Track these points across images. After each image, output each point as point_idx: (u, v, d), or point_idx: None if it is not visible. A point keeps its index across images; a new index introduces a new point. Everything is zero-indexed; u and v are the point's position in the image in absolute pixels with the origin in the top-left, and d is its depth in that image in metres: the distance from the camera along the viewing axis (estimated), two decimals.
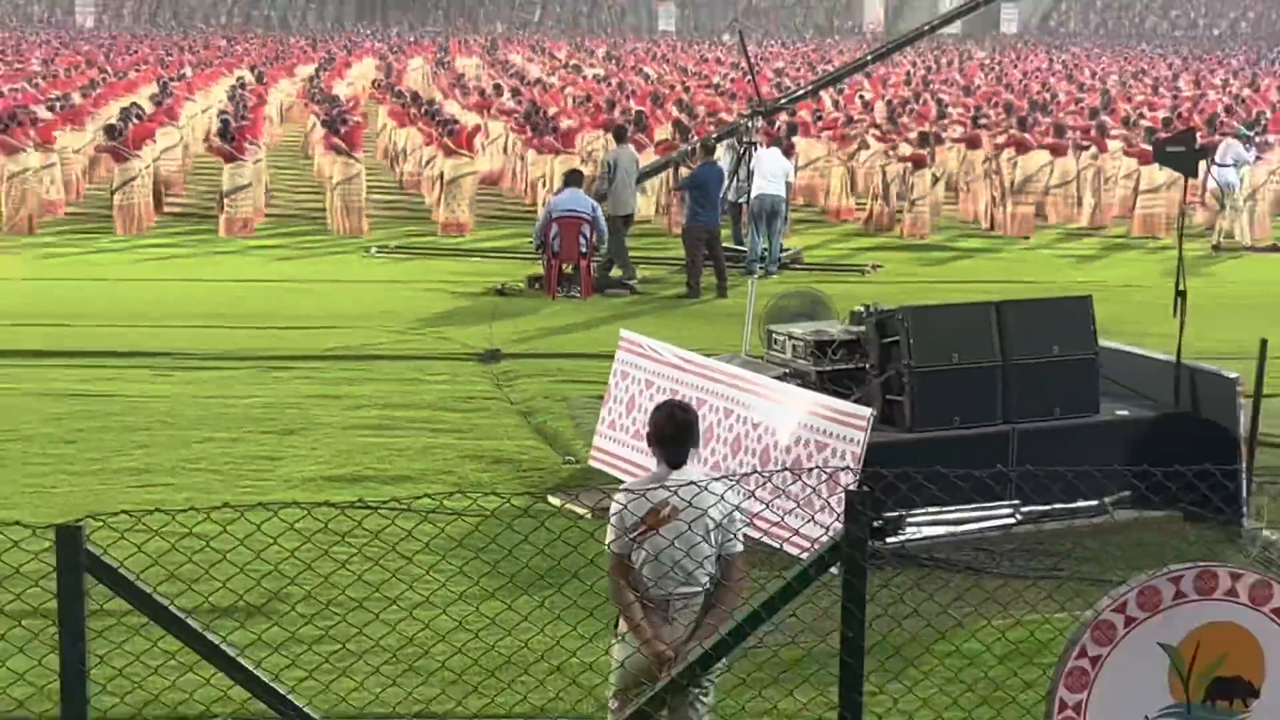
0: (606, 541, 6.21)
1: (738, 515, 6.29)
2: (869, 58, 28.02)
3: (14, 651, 5.77)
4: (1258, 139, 26.37)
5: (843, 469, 8.76)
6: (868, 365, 11.40)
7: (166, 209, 27.56)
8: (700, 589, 6.12)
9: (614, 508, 6.23)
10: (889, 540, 9.90)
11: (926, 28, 28.97)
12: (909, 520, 10.18)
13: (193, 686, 5.66)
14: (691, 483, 5.91)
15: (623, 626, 6.16)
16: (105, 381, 15.17)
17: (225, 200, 24.82)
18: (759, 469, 9.73)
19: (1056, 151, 24.10)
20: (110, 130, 26.61)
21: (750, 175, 19.87)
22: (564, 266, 19.77)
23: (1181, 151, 14.13)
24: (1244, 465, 10.87)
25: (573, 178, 20.05)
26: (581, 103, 33.62)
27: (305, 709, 5.19)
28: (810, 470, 8.95)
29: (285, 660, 6.56)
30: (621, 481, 9.24)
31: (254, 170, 25.77)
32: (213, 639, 4.84)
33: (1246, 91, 39.68)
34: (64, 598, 4.32)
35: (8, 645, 5.92)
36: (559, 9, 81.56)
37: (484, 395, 15.02)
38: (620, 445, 11.07)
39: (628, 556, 6.04)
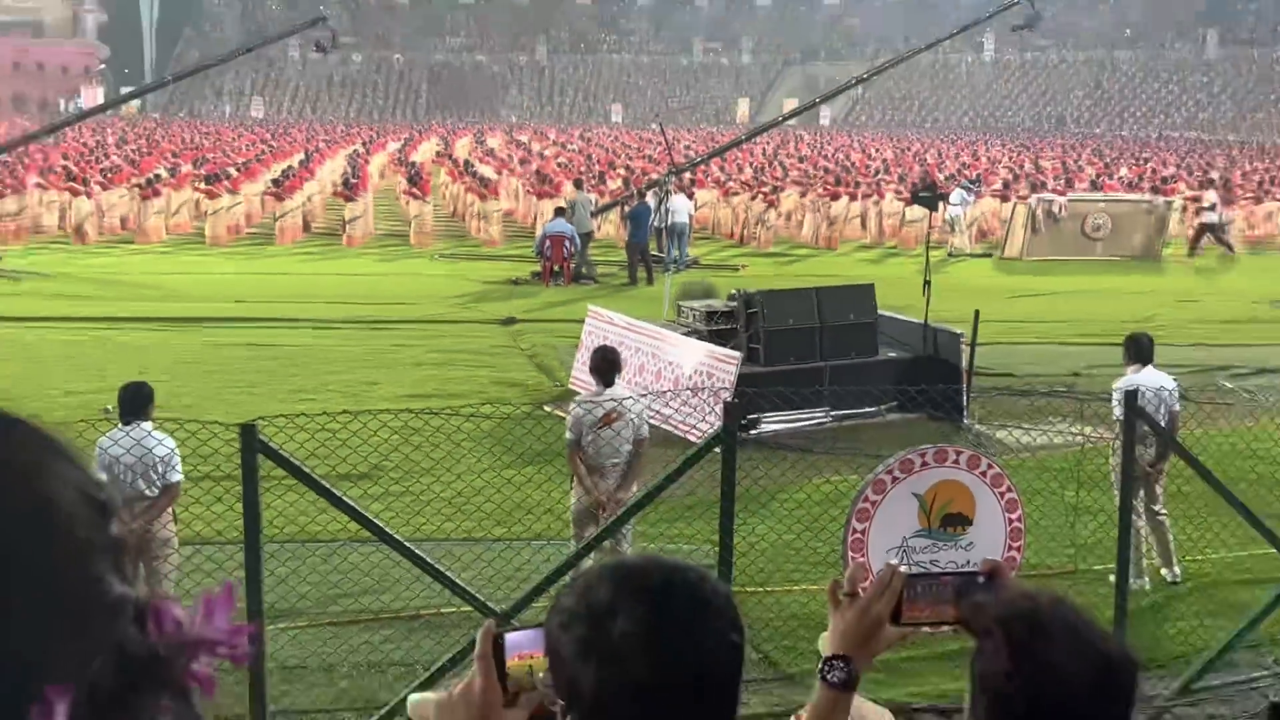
0: (566, 431, 8.30)
1: (646, 414, 8.48)
2: (742, 138, 32.81)
3: (213, 500, 7.54)
4: (976, 189, 30.35)
5: (723, 389, 10.51)
6: (738, 326, 13.21)
7: (311, 230, 33.09)
8: (623, 459, 8.17)
9: (574, 411, 8.36)
10: (750, 432, 11.14)
11: (779, 119, 35.34)
12: (763, 420, 11.82)
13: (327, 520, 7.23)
14: (630, 396, 8.32)
15: (576, 483, 8.26)
16: (271, 336, 17.67)
17: (346, 225, 30.97)
18: (673, 389, 11.33)
19: (852, 197, 28.96)
20: (275, 182, 34.31)
21: (667, 210, 22.99)
22: (553, 266, 23.26)
23: (928, 196, 17.00)
24: (965, 387, 12.91)
25: (559, 212, 24.24)
26: (565, 166, 38.66)
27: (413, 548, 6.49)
28: (702, 390, 10.89)
29: (381, 505, 8.50)
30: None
31: (364, 206, 32.05)
32: (337, 492, 6.23)
33: (968, 158, 45.61)
34: (245, 471, 5.67)
35: (204, 494, 7.80)
36: (550, 107, 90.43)
37: (504, 346, 17.46)
38: (586, 375, 11.25)
39: (578, 442, 8.13)
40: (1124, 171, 42.45)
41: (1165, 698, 6.73)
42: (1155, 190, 30.76)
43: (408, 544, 6.20)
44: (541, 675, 1.47)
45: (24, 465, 0.67)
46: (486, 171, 38.44)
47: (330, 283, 22.51)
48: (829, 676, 1.89)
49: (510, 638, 1.52)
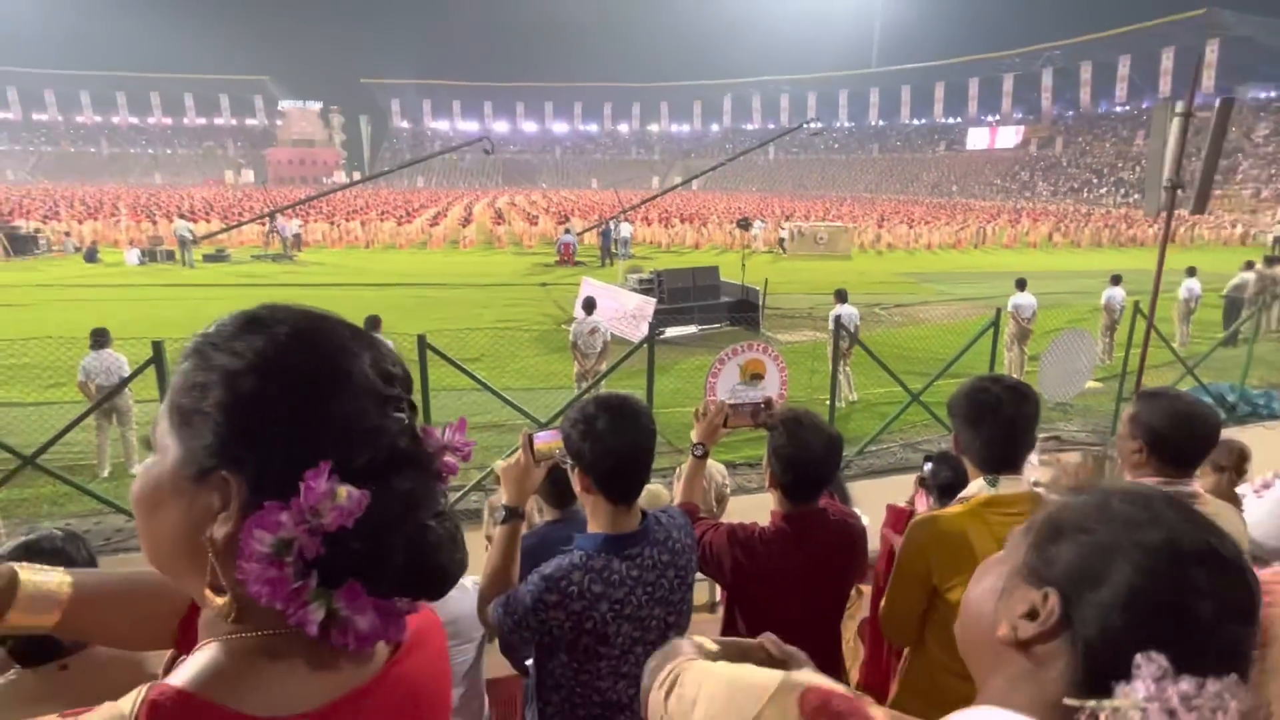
0: (570, 336, 8.03)
1: (602, 327, 8.00)
2: (652, 197, 29.63)
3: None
4: (764, 222, 28.90)
5: (648, 319, 10.18)
6: (654, 286, 12.52)
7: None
8: (598, 350, 7.85)
9: (574, 328, 8.03)
10: (660, 337, 9.66)
11: (670, 188, 32.22)
12: (666, 331, 10.39)
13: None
14: (602, 320, 8.09)
15: (575, 363, 7.98)
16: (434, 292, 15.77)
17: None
18: (622, 315, 10.76)
19: (705, 224, 28.70)
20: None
21: (620, 229, 21.22)
22: (564, 258, 20.94)
23: (745, 222, 16.85)
24: (760, 314, 12.23)
25: (565, 234, 21.85)
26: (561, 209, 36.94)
27: None
28: (637, 317, 10.68)
29: (486, 371, 7.74)
30: None
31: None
32: (464, 368, 6.63)
33: (763, 207, 44.49)
34: (420, 355, 5.24)
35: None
36: (557, 181, 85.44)
37: (543, 298, 15.31)
38: (581, 311, 9.34)
39: (575, 342, 7.89)
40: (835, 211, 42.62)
41: (851, 455, 6.75)
42: (853, 220, 30.98)
43: (501, 393, 5.99)
44: (559, 451, 1.49)
45: (335, 343, 0.64)
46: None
47: (453, 266, 20.96)
48: (696, 452, 1.91)
49: (539, 435, 1.56)
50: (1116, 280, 10.66)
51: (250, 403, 0.59)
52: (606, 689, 1.49)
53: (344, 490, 0.57)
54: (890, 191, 75.54)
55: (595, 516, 1.51)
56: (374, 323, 6.95)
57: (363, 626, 0.61)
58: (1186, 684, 0.55)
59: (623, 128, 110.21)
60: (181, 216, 24.04)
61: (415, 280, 17.63)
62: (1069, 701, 0.59)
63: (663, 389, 7.56)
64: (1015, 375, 9.32)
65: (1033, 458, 2.56)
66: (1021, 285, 9.85)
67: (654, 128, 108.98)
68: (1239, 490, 1.96)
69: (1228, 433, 3.07)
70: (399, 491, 0.62)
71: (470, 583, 1.99)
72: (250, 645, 0.61)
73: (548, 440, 1.55)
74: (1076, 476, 2.07)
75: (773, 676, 0.72)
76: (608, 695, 1.49)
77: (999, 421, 1.65)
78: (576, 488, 1.51)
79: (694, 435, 1.95)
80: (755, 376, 6.51)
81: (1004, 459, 1.67)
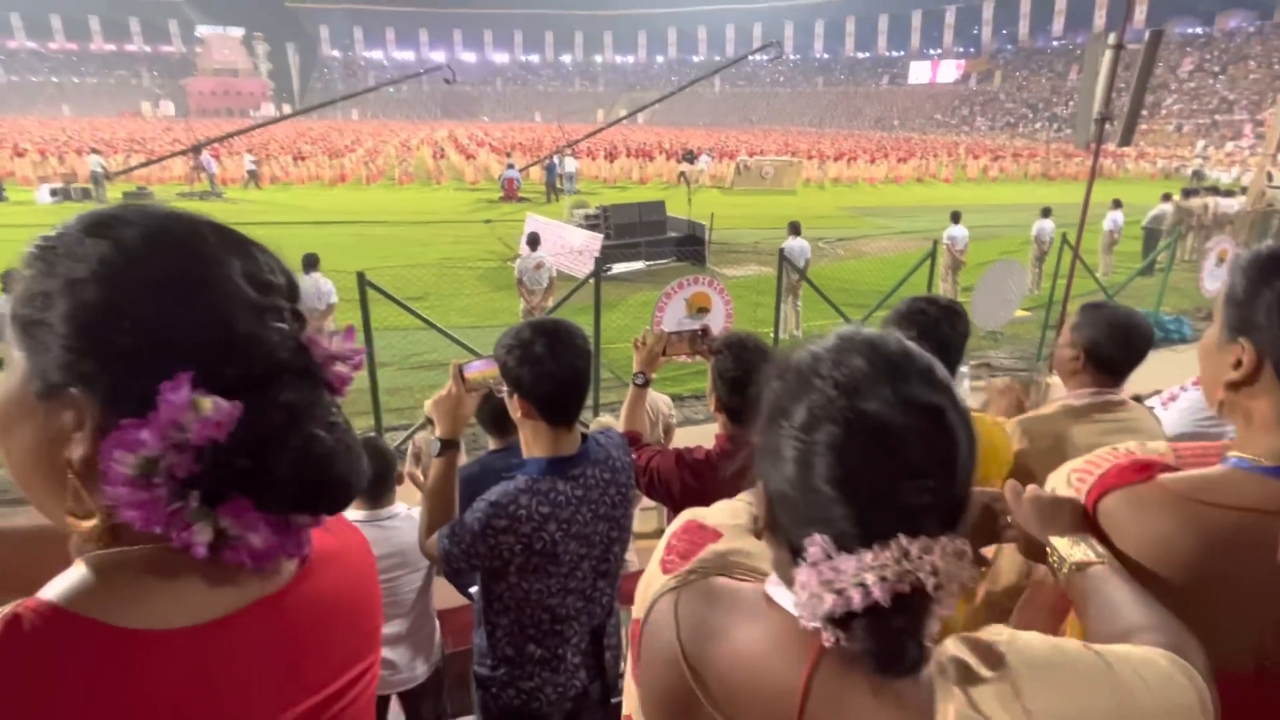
0: (515, 273, 7.89)
1: (547, 263, 7.90)
2: (597, 130, 28.47)
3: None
4: (711, 155, 29.20)
5: (595, 255, 9.47)
6: (601, 222, 12.32)
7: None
8: (544, 286, 7.77)
9: (518, 264, 7.89)
10: (608, 272, 9.68)
11: (616, 120, 31.21)
12: (614, 266, 10.82)
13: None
14: (546, 255, 7.99)
15: (521, 299, 7.85)
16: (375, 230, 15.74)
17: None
18: (567, 254, 10.50)
19: (652, 159, 27.83)
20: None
21: (564, 164, 20.77)
22: (508, 194, 20.25)
23: (690, 155, 17.14)
24: (707, 247, 12.32)
25: (509, 169, 20.95)
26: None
27: None
28: (583, 253, 10.39)
29: (429, 309, 7.86)
30: None
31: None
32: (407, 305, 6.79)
33: (709, 141, 43.25)
34: (361, 294, 5.04)
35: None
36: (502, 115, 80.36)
37: (487, 234, 14.95)
38: (525, 248, 8.93)
39: (521, 279, 7.82)
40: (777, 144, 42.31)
41: None
42: (793, 154, 30.88)
43: (446, 330, 5.81)
44: (493, 379, 1.49)
45: (193, 248, 0.59)
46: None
47: (392, 203, 20.14)
48: (636, 380, 1.91)
49: (470, 364, 1.57)
50: (1046, 213, 10.96)
51: (96, 313, 0.54)
52: (556, 604, 1.53)
53: (208, 402, 0.54)
54: (835, 125, 75.39)
55: (536, 441, 1.51)
56: (311, 261, 6.70)
57: (256, 543, 0.58)
58: (829, 563, 0.58)
59: (565, 59, 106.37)
60: (95, 151, 22.45)
61: (353, 218, 16.93)
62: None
63: (610, 324, 7.49)
64: None
65: (965, 383, 2.65)
66: (956, 218, 10.04)
67: (598, 59, 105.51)
68: (1148, 404, 2.09)
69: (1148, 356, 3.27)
70: (281, 403, 0.58)
71: (416, 512, 2.00)
72: (130, 559, 0.57)
73: (481, 369, 1.54)
74: (1005, 400, 2.13)
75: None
76: (556, 610, 1.53)
77: (934, 341, 1.64)
78: (515, 414, 1.51)
79: (634, 364, 1.97)
80: (701, 310, 6.47)
81: None
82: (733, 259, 12.58)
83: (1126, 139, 6.47)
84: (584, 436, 1.57)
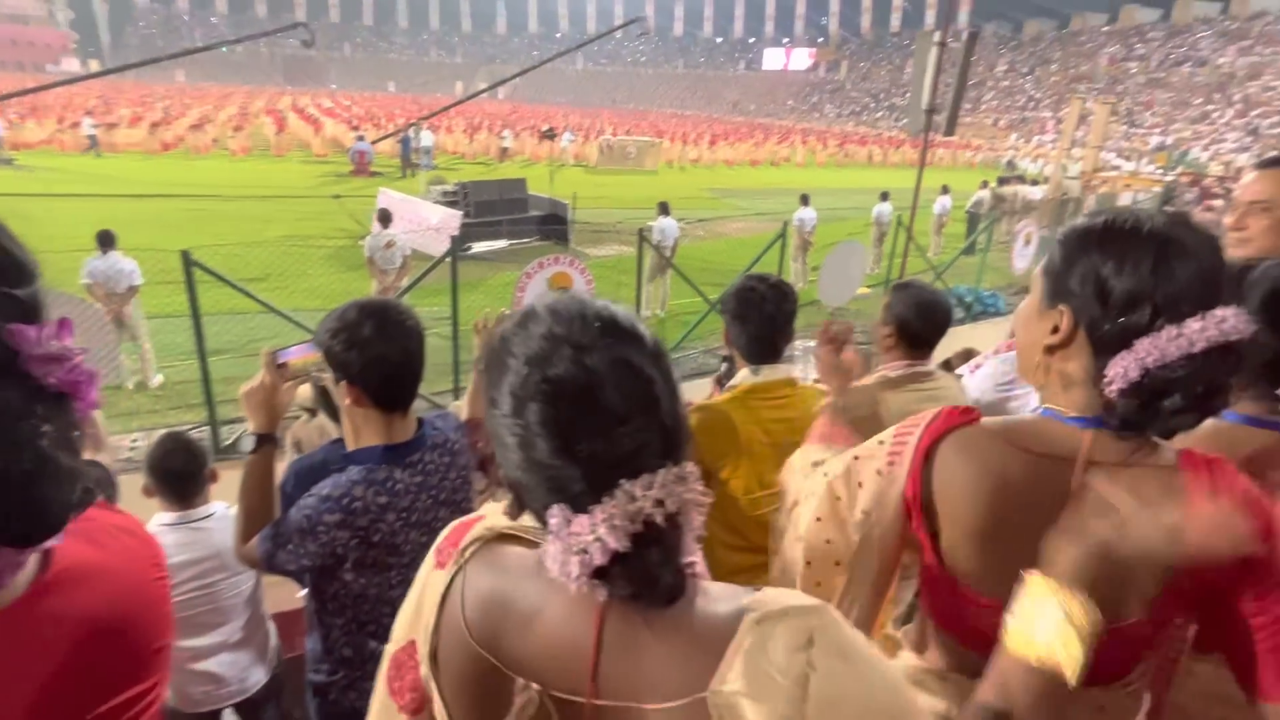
0: (365, 251, 7.48)
1: (399, 241, 7.56)
2: (454, 104, 28.53)
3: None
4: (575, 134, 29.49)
5: (453, 233, 9.12)
6: (460, 199, 11.90)
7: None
8: (396, 265, 7.43)
9: (368, 241, 7.46)
10: (468, 252, 10.16)
11: (472, 94, 29.69)
12: (473, 246, 10.97)
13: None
14: (399, 233, 7.80)
15: (373, 278, 7.52)
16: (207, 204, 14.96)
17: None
18: (422, 231, 10.23)
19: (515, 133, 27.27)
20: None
21: (420, 138, 20.06)
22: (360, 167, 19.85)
23: (549, 132, 16.90)
24: (570, 227, 11.91)
25: (359, 141, 20.01)
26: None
27: None
28: (440, 231, 10.04)
29: (270, 291, 7.33)
30: None
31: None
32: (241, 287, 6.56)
33: (571, 119, 42.44)
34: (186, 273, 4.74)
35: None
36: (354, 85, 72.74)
37: (337, 210, 13.89)
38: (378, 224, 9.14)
39: (372, 258, 7.43)
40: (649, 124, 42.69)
41: None
42: (656, 135, 31.30)
43: (289, 314, 5.41)
44: (314, 365, 1.40)
45: None
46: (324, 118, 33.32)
47: (226, 175, 18.39)
48: (479, 366, 1.86)
49: (287, 351, 1.48)
50: (885, 197, 11.79)
51: None
52: (397, 596, 1.44)
53: None
54: (695, 107, 76.95)
55: (368, 429, 1.43)
56: (107, 238, 6.02)
57: None
58: (568, 529, 0.61)
59: (420, 27, 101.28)
60: None
61: (182, 191, 15.28)
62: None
63: (471, 305, 7.24)
64: (800, 284, 10.18)
65: (812, 357, 2.79)
66: (805, 201, 10.58)
67: (456, 29, 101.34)
68: (958, 372, 2.31)
69: (967, 329, 3.62)
70: None
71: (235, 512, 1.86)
72: None
73: (301, 355, 1.43)
74: (850, 373, 2.24)
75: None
76: (398, 602, 1.45)
77: (763, 317, 1.76)
78: (343, 402, 1.41)
79: (476, 349, 1.90)
80: (563, 290, 6.60)
81: (767, 350, 1.80)
82: (596, 239, 12.45)
83: (950, 129, 7.09)
84: (420, 421, 1.51)
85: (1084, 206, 13.81)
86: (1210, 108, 42.05)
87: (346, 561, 1.38)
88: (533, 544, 0.72)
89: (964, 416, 1.01)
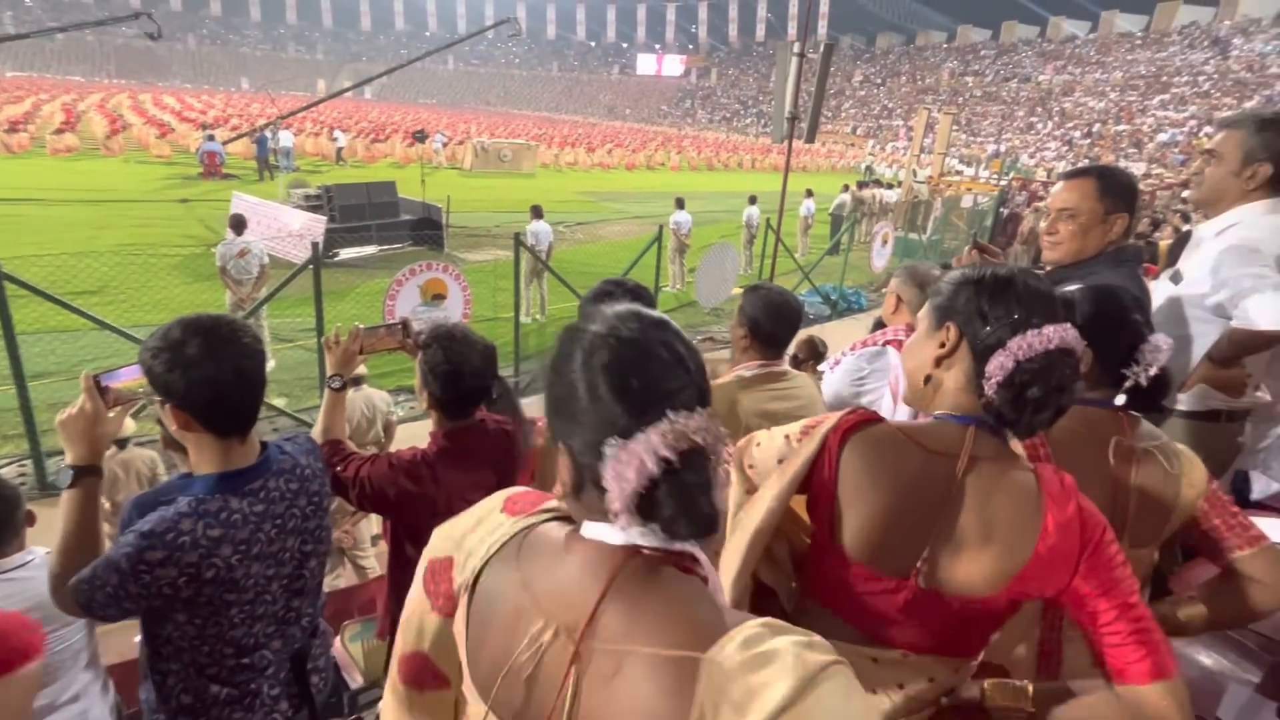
0: (216, 260, 6.74)
1: (255, 248, 6.82)
2: (316, 102, 26.45)
3: None
4: (445, 137, 28.71)
5: (314, 239, 8.19)
6: (324, 203, 11.28)
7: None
8: (254, 276, 6.83)
9: (220, 250, 6.75)
10: (335, 258, 10.21)
11: (334, 94, 27.91)
12: (341, 252, 10.57)
13: None
14: (255, 240, 7.34)
15: (227, 290, 6.78)
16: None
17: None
18: (283, 238, 9.50)
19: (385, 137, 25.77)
20: None
21: (278, 139, 19.15)
22: (210, 170, 18.26)
23: (421, 134, 16.40)
24: (444, 232, 11.69)
25: (209, 141, 18.65)
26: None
27: None
28: (304, 237, 9.02)
29: (105, 305, 6.86)
30: None
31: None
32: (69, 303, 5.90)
33: (445, 121, 41.66)
34: None
35: None
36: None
37: (185, 216, 12.82)
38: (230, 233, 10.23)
39: (225, 267, 6.76)
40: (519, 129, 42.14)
41: (539, 369, 6.90)
42: (535, 137, 30.96)
43: (127, 331, 4.92)
44: (142, 389, 1.27)
45: None
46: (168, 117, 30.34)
47: (50, 177, 16.54)
48: (332, 385, 1.78)
49: (110, 374, 1.34)
50: (753, 200, 12.26)
51: None
52: (240, 636, 1.36)
53: None
54: (569, 111, 76.96)
55: (201, 456, 1.33)
56: None
57: None
58: (624, 449, 0.70)
59: (278, 20, 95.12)
60: None
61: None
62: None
63: (341, 315, 6.97)
64: (677, 285, 10.44)
65: None
66: (680, 204, 10.82)
67: (316, 24, 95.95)
68: (820, 368, 2.43)
69: (832, 325, 3.84)
70: None
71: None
72: None
73: (128, 379, 1.31)
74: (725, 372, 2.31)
75: None
76: (242, 642, 1.37)
77: None
78: (171, 427, 1.30)
79: (328, 366, 1.80)
80: (437, 297, 6.23)
81: None
82: (472, 243, 12.27)
83: (811, 137, 7.45)
84: (264, 445, 1.41)
85: (933, 208, 14.95)
86: (1034, 119, 46.78)
87: (176, 602, 1.27)
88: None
89: (872, 416, 1.16)
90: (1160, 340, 1.35)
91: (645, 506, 0.70)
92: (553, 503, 0.87)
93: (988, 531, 1.04)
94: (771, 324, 1.96)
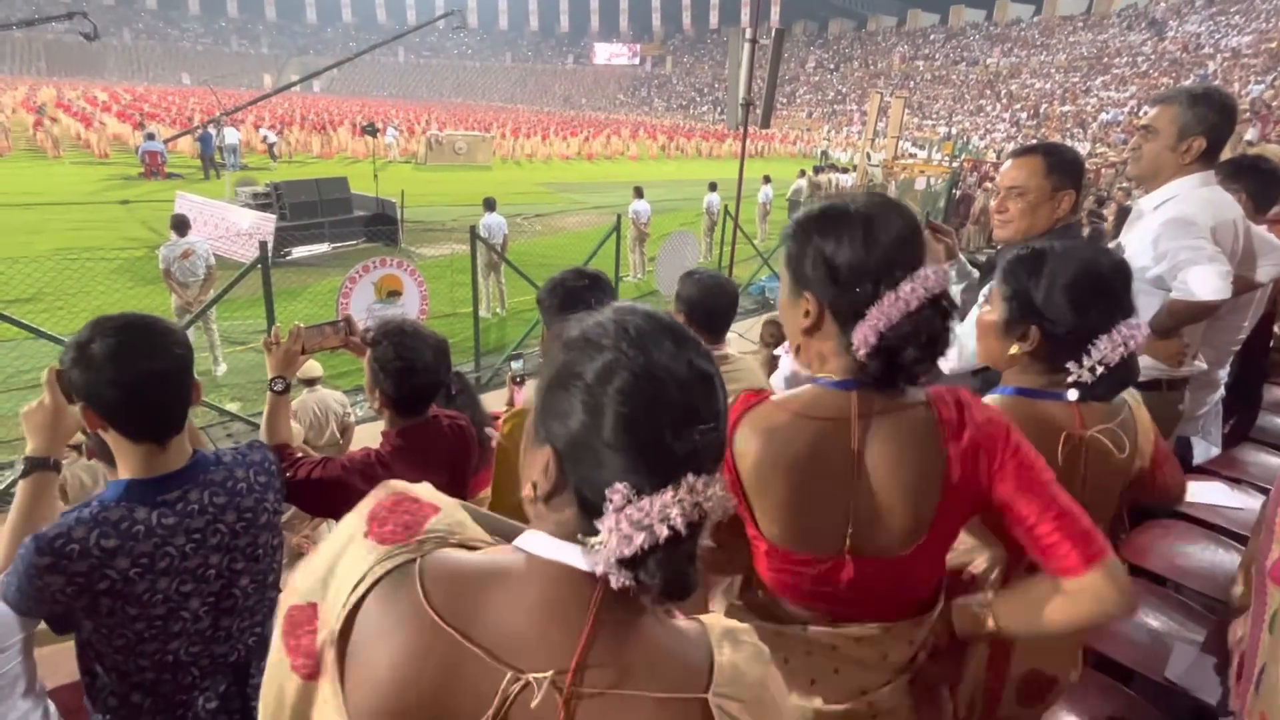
0: (160, 264, 6.62)
1: (200, 249, 6.68)
2: (263, 96, 25.36)
3: None
4: (396, 127, 28.42)
5: (263, 238, 8.02)
6: (273, 201, 11.06)
7: None
8: (199, 278, 6.69)
9: (162, 252, 6.63)
10: (286, 257, 10.05)
11: (284, 87, 27.15)
12: (293, 251, 10.33)
13: None
14: (199, 240, 7.25)
15: (172, 294, 6.69)
16: None
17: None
18: (229, 238, 9.36)
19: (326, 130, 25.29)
20: None
21: (223, 136, 18.09)
22: (152, 169, 17.33)
23: (370, 128, 16.19)
24: (400, 226, 11.63)
25: (148, 140, 17.81)
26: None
27: None
28: (252, 236, 8.97)
29: (41, 313, 6.61)
30: None
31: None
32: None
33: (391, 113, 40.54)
34: None
35: None
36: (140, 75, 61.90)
37: (126, 217, 12.50)
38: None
39: (169, 270, 6.65)
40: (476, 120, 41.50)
41: (499, 363, 6.75)
42: (486, 130, 30.56)
43: (62, 338, 4.71)
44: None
45: None
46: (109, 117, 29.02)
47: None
48: (274, 388, 1.72)
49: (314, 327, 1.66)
50: (713, 187, 12.29)
51: None
52: (155, 650, 1.31)
53: None
54: (524, 102, 76.10)
55: (119, 460, 1.28)
56: None
57: None
58: (634, 505, 0.62)
59: (218, 13, 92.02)
60: None
61: None
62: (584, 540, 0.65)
63: (294, 315, 6.77)
64: (638, 275, 10.46)
65: None
66: (639, 193, 10.80)
67: (259, 17, 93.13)
68: (776, 352, 2.44)
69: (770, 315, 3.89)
70: None
71: None
72: None
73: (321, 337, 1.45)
74: None
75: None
76: (160, 657, 1.32)
77: (582, 307, 1.73)
78: (86, 426, 1.27)
79: (269, 368, 1.73)
80: (393, 294, 6.17)
81: None
82: (428, 238, 12.06)
83: (765, 122, 7.48)
84: (195, 454, 1.35)
85: (888, 191, 15.17)
86: (983, 101, 47.70)
87: (76, 610, 1.24)
88: (478, 547, 0.73)
89: (756, 397, 1.09)
90: (1136, 321, 1.24)
91: (630, 564, 0.63)
92: (435, 521, 0.73)
93: (900, 484, 1.03)
94: (708, 303, 1.98)
